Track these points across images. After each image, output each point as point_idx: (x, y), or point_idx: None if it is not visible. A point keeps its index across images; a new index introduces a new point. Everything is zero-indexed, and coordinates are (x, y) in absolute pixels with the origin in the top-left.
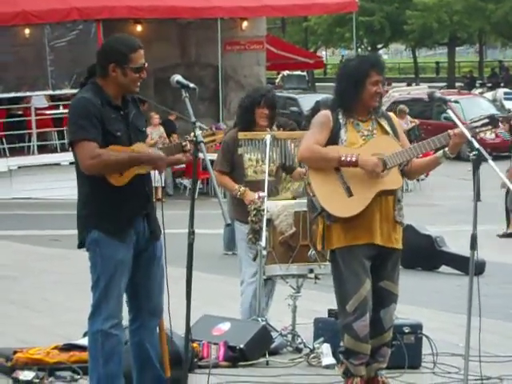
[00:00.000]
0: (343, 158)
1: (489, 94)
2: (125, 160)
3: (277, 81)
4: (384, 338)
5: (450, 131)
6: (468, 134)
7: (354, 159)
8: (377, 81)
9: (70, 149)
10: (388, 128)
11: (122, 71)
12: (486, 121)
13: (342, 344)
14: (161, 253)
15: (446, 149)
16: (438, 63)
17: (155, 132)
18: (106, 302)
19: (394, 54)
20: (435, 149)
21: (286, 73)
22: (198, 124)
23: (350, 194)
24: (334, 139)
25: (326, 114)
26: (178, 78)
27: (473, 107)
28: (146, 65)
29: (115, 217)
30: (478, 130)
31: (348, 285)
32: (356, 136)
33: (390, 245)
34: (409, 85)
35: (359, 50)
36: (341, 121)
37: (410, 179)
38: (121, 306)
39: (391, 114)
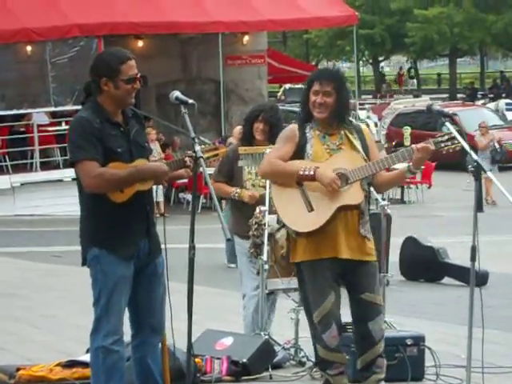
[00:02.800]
0: (301, 172)
1: (491, 105)
2: (126, 176)
3: (279, 94)
4: (377, 350)
5: (413, 146)
6: (467, 147)
7: (311, 173)
8: (316, 91)
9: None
10: (356, 142)
11: (114, 84)
12: (447, 137)
13: (317, 355)
14: (163, 269)
15: (411, 163)
16: (439, 75)
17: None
18: (107, 318)
19: (395, 66)
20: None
21: (287, 86)
22: (197, 140)
23: (311, 209)
24: (300, 153)
25: (292, 128)
26: (176, 94)
27: (477, 118)
28: (139, 75)
29: (115, 233)
30: (443, 145)
31: (312, 298)
32: (322, 150)
33: (359, 257)
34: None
35: (360, 62)
36: (308, 135)
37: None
38: (122, 322)
39: (363, 126)
